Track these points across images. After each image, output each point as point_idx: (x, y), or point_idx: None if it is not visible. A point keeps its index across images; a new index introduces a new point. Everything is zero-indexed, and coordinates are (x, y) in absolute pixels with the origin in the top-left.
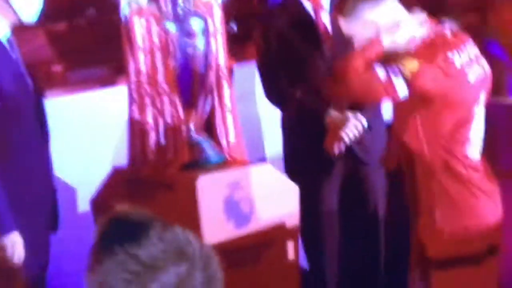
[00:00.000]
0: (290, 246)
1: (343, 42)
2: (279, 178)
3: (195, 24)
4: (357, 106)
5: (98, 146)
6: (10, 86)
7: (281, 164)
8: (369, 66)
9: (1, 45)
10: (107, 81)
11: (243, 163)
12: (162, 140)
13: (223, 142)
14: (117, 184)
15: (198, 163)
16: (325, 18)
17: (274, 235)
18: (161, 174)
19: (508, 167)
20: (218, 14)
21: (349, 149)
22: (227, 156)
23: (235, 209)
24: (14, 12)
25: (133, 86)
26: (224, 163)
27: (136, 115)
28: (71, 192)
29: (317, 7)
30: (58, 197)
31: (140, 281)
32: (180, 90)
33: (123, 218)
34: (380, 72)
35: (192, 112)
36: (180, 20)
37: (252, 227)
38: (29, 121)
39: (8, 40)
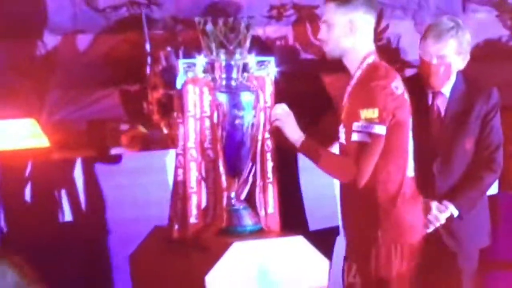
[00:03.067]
0: None
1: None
2: (310, 251)
3: (246, 97)
4: (450, 196)
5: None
6: None
7: None
8: None
9: None
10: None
11: (277, 234)
12: (203, 205)
13: (261, 212)
14: (156, 241)
15: (235, 230)
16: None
17: None
18: (198, 236)
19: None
20: (270, 89)
21: (438, 236)
22: (264, 225)
23: (266, 277)
24: None
25: (180, 151)
26: (260, 232)
27: (180, 178)
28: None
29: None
30: None
31: None
32: (225, 159)
33: None
34: None
35: (234, 180)
36: (232, 92)
37: None
38: None
39: None
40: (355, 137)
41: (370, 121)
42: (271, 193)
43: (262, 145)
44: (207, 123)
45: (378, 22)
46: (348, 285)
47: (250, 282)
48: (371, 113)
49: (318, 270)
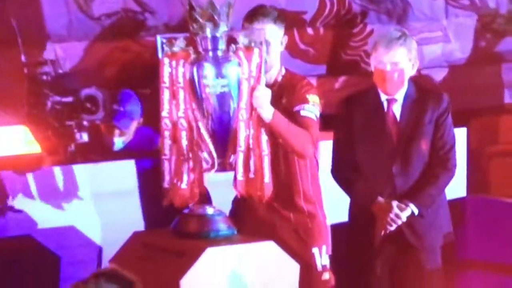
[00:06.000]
0: None
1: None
2: (281, 255)
3: (231, 67)
4: (409, 195)
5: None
6: None
7: None
8: None
9: None
10: None
11: (249, 239)
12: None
13: (251, 175)
14: (134, 246)
15: (209, 234)
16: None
17: None
18: (174, 241)
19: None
20: (256, 60)
21: (400, 234)
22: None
23: (238, 281)
24: None
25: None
26: (233, 237)
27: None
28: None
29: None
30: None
31: None
32: (211, 127)
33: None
34: None
35: (222, 147)
36: (218, 63)
37: None
38: None
39: None
40: (305, 113)
41: (316, 104)
42: (267, 164)
43: (250, 115)
44: (181, 93)
45: (363, 27)
46: None
47: (223, 286)
48: (316, 98)
49: (288, 274)
